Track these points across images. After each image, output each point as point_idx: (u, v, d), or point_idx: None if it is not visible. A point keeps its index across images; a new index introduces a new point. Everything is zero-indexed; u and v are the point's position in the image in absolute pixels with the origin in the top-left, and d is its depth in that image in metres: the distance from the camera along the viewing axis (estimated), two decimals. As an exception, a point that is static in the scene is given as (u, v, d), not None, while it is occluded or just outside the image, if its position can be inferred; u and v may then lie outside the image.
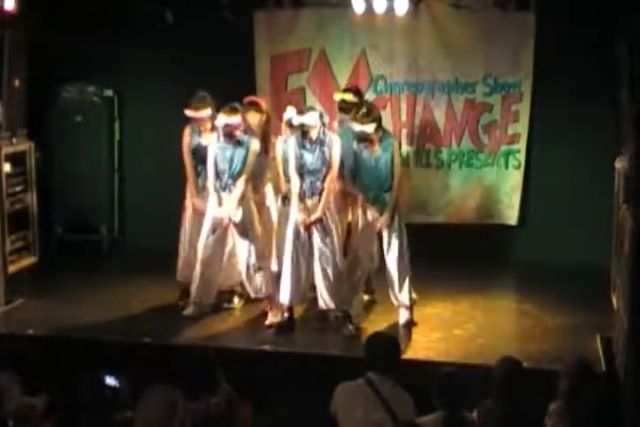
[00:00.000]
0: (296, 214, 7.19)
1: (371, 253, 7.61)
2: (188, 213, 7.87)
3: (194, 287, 7.57)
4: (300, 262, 7.19)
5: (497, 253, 9.50)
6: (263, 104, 7.87)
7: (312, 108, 7.35)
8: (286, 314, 7.32)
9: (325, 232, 7.20)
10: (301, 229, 7.17)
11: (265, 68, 9.65)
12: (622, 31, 7.04)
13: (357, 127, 7.28)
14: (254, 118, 7.64)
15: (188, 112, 7.63)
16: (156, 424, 4.04)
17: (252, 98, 7.93)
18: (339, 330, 7.25)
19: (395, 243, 7.42)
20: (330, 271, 7.19)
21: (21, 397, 4.89)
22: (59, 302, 7.92)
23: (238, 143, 7.35)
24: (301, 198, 7.18)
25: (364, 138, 7.30)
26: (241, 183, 7.35)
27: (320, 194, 7.19)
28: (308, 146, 7.16)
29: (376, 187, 7.40)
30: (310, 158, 7.16)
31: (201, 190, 7.76)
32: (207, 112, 7.58)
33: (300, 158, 7.16)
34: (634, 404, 4.65)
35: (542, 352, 6.80)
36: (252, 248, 7.44)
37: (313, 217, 7.16)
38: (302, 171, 7.18)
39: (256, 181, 7.63)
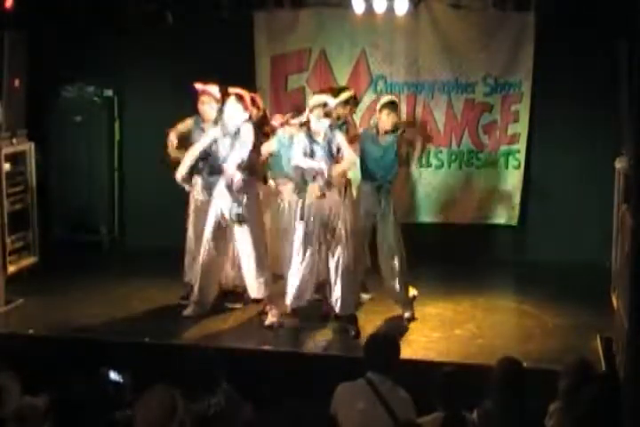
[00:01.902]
0: (313, 191, 7.12)
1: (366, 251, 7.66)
2: (192, 213, 7.83)
3: (195, 287, 7.56)
4: (308, 263, 7.16)
5: (497, 254, 9.52)
6: (259, 100, 7.96)
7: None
8: (292, 316, 7.30)
9: (334, 233, 7.19)
10: (309, 229, 7.12)
11: (265, 68, 9.66)
12: (622, 31, 7.03)
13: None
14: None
15: (198, 85, 7.59)
16: (155, 424, 4.03)
17: (250, 94, 7.95)
18: (341, 330, 7.24)
19: (390, 240, 7.46)
20: (340, 271, 7.18)
21: (22, 397, 4.89)
22: (59, 302, 7.92)
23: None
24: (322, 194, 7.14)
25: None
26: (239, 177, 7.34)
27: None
28: (317, 141, 7.13)
29: (379, 177, 7.49)
30: (320, 153, 7.13)
31: (205, 188, 7.71)
32: (215, 88, 7.56)
33: (310, 153, 7.12)
34: (634, 404, 4.64)
35: (542, 352, 6.80)
36: (254, 248, 7.40)
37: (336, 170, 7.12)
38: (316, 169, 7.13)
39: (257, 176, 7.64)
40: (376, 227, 7.53)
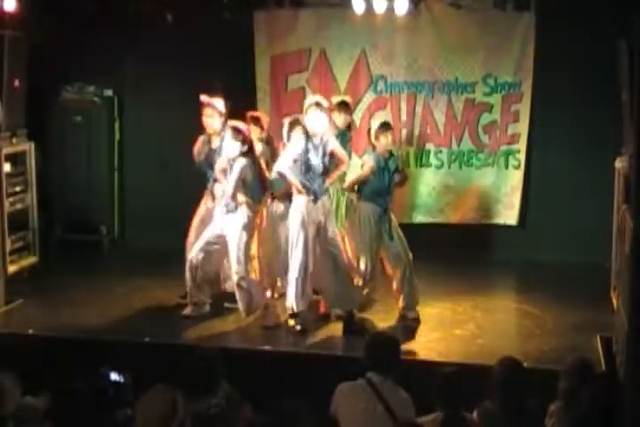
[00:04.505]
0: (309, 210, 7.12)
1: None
2: (198, 216, 7.82)
3: (188, 287, 7.54)
4: (306, 264, 7.14)
5: (497, 253, 9.51)
6: (263, 119, 7.95)
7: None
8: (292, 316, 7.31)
9: (330, 233, 7.19)
10: (309, 232, 7.10)
11: (265, 68, 9.65)
12: (622, 31, 7.04)
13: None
14: (254, 132, 7.65)
15: (203, 97, 7.59)
16: (155, 424, 4.03)
17: (254, 113, 8.00)
18: (345, 330, 7.23)
19: (399, 248, 7.52)
20: (337, 271, 7.19)
21: (22, 397, 4.89)
22: (59, 302, 7.91)
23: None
24: (315, 199, 7.14)
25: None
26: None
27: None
28: (313, 147, 7.12)
29: (384, 200, 7.56)
30: (316, 160, 7.14)
31: (210, 195, 7.73)
32: (219, 102, 7.55)
33: (307, 160, 7.12)
34: (634, 404, 4.64)
35: (542, 352, 6.80)
36: (241, 257, 7.33)
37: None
38: (311, 172, 7.14)
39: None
40: (380, 235, 7.55)
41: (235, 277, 7.33)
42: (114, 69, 9.81)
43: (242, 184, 7.27)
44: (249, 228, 7.36)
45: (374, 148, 7.55)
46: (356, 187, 7.65)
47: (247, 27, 9.50)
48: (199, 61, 9.23)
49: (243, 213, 7.30)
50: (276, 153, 7.68)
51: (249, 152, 7.31)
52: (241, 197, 7.24)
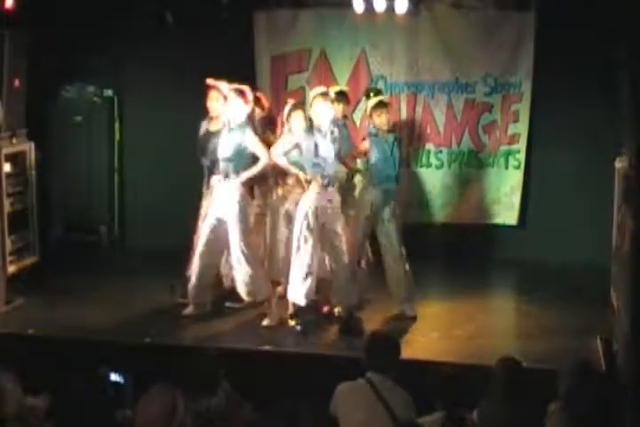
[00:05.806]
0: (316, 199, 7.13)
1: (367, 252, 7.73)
2: (203, 210, 7.78)
3: (192, 286, 7.54)
4: (308, 259, 7.11)
5: (497, 253, 9.51)
6: (264, 100, 8.00)
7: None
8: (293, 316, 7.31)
9: (335, 231, 7.19)
10: (311, 225, 7.08)
11: (265, 68, 9.66)
12: (622, 31, 7.03)
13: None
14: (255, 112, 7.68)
15: (209, 80, 7.58)
16: (155, 424, 4.03)
17: (256, 93, 7.97)
18: (343, 330, 7.23)
19: (394, 238, 7.50)
20: (341, 270, 7.19)
21: (22, 397, 4.89)
22: (59, 302, 7.92)
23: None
24: (324, 187, 7.14)
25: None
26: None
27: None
28: (319, 135, 7.12)
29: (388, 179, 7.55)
30: (325, 148, 7.12)
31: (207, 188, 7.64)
32: (224, 86, 7.51)
33: (316, 149, 7.11)
34: (634, 404, 4.65)
35: (542, 352, 6.79)
36: (244, 249, 7.33)
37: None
38: (321, 161, 7.12)
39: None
40: (378, 228, 7.55)
41: (238, 256, 7.29)
42: (114, 69, 9.82)
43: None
44: (245, 208, 7.35)
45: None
46: (361, 167, 7.76)
47: (247, 27, 9.51)
48: (199, 61, 9.22)
49: (239, 193, 7.29)
50: (275, 126, 7.73)
51: (251, 115, 7.37)
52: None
